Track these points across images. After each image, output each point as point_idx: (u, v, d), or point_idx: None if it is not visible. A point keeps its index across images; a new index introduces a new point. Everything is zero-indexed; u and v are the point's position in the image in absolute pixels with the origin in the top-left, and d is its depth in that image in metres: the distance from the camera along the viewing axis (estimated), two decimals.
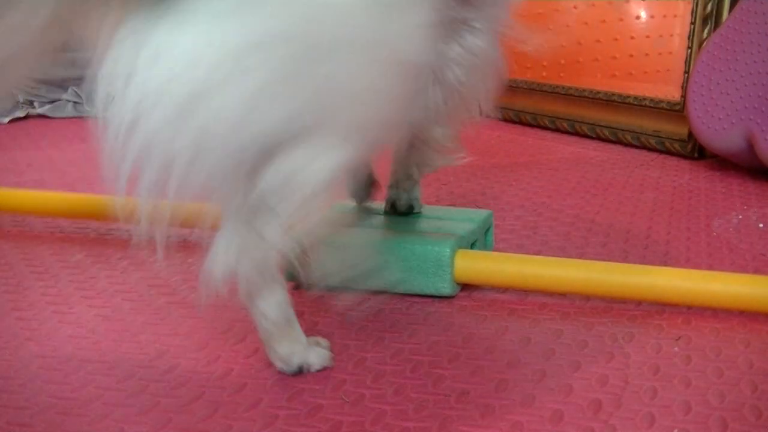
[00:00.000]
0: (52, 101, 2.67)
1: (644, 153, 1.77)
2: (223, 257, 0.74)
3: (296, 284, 0.99)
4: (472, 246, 1.05)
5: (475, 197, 1.44)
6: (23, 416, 0.75)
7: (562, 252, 1.14)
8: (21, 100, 2.67)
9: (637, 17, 2.04)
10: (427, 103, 0.92)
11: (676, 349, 0.84)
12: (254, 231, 0.71)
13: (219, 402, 0.76)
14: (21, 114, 2.59)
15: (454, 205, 1.37)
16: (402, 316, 0.95)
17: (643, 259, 1.10)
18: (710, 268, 1.06)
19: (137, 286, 1.07)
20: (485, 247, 1.12)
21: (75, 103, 2.66)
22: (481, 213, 1.12)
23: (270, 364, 0.83)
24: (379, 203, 1.12)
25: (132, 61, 0.64)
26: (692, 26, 1.71)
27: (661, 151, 1.76)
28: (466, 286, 1.01)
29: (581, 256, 1.11)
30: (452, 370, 0.81)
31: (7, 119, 2.54)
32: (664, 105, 1.76)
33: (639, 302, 0.95)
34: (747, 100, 1.48)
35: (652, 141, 1.77)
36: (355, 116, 0.69)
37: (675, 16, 1.92)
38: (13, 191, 1.37)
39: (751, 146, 1.47)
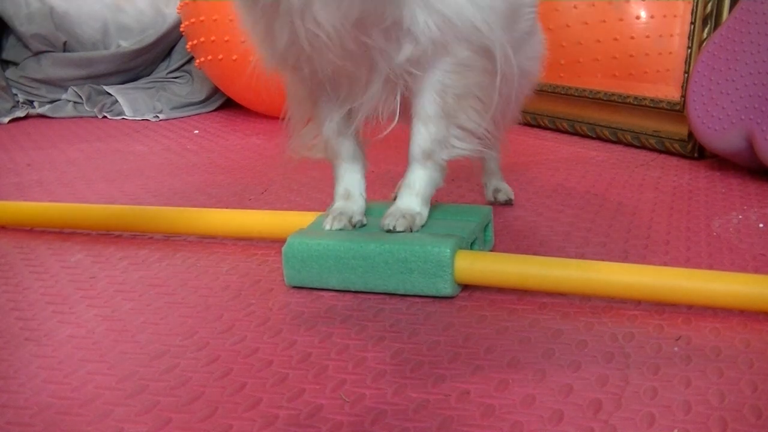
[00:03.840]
0: (52, 101, 2.67)
1: (644, 153, 1.77)
2: None
3: None
4: (472, 244, 1.05)
5: (475, 197, 1.44)
6: (23, 416, 0.75)
7: (562, 252, 1.14)
8: (21, 100, 2.67)
9: (637, 17, 2.04)
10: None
11: (676, 349, 0.84)
12: None
13: (219, 402, 0.76)
14: (21, 114, 2.60)
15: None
16: (402, 316, 0.95)
17: (643, 259, 1.10)
18: (710, 268, 1.06)
19: (137, 286, 1.07)
20: (484, 243, 1.12)
21: (75, 103, 2.66)
22: (481, 209, 1.13)
23: (270, 363, 0.83)
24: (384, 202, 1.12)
25: None
26: (692, 26, 1.71)
27: (661, 151, 1.76)
28: (466, 286, 1.01)
29: (581, 256, 1.11)
30: (452, 370, 0.81)
31: (7, 119, 2.54)
32: (664, 105, 1.76)
33: (639, 302, 0.95)
34: (747, 100, 1.48)
35: (652, 141, 1.77)
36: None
37: (675, 16, 1.92)
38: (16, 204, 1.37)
39: (751, 146, 1.47)
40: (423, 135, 1.05)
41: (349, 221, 1.07)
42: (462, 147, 1.07)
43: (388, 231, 1.04)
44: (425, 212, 1.07)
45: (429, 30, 0.96)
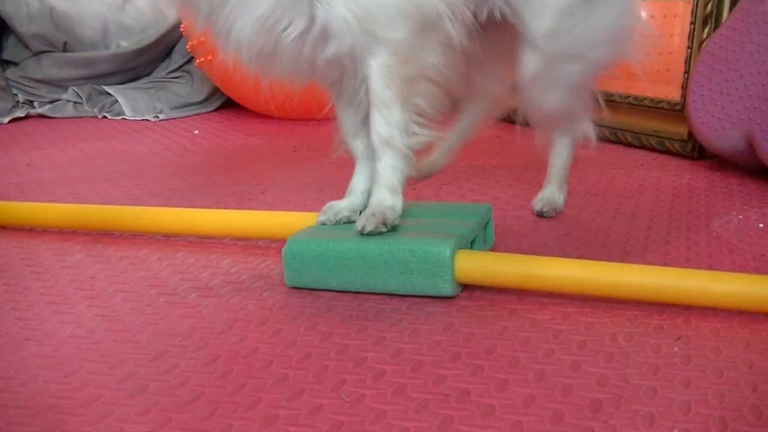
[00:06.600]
0: (52, 101, 2.67)
1: (644, 153, 1.77)
2: None
3: None
4: (473, 242, 1.05)
5: (475, 197, 1.44)
6: (23, 416, 0.75)
7: (562, 252, 1.14)
8: (21, 100, 2.67)
9: None
10: None
11: (676, 349, 0.84)
12: None
13: (218, 402, 0.76)
14: (21, 114, 2.59)
15: None
16: (403, 316, 0.95)
17: (643, 259, 1.10)
18: (710, 268, 1.06)
19: (137, 286, 1.07)
20: (485, 241, 1.12)
21: (75, 103, 2.66)
22: (480, 207, 1.13)
23: (270, 363, 0.83)
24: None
25: None
26: (692, 26, 1.71)
27: (661, 151, 1.76)
28: (466, 286, 1.01)
29: (581, 256, 1.11)
30: (453, 370, 0.81)
31: (7, 119, 2.54)
32: (664, 105, 1.76)
33: (639, 302, 0.95)
34: (747, 100, 1.48)
35: (652, 141, 1.77)
36: None
37: (675, 16, 1.92)
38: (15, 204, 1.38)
39: (751, 146, 1.47)
40: (378, 121, 1.03)
41: (334, 215, 1.10)
42: (424, 133, 1.06)
43: (362, 234, 1.02)
44: (398, 203, 1.05)
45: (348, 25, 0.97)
